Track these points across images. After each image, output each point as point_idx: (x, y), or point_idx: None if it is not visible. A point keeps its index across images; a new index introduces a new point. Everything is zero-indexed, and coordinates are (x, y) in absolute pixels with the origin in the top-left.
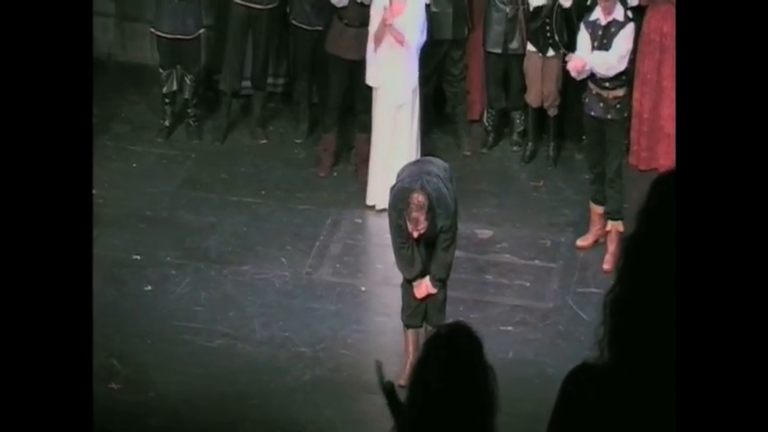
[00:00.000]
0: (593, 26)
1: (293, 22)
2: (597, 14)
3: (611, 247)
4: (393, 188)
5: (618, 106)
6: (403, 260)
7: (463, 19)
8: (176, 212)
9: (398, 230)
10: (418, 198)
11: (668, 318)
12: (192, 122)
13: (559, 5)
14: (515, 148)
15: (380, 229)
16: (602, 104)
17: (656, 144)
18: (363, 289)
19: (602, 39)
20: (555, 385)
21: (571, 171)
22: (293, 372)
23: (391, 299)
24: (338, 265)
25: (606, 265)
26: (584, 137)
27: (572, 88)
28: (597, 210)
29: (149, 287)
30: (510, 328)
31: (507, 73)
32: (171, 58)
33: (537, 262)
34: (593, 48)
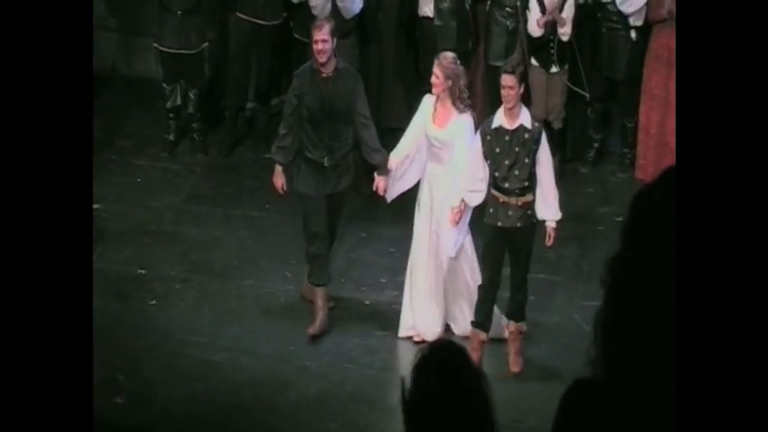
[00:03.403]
0: (495, 133)
1: (296, 36)
2: (499, 121)
3: (515, 347)
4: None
5: (528, 212)
6: (280, 138)
7: (467, 33)
8: (181, 226)
9: (289, 103)
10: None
11: (659, 333)
12: (196, 137)
13: (559, 38)
14: None
15: (385, 243)
16: (510, 213)
17: (662, 159)
18: (367, 303)
19: (512, 146)
20: (560, 398)
21: (575, 184)
22: (298, 386)
23: (396, 313)
24: (342, 279)
25: (515, 368)
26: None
27: (577, 102)
28: (481, 336)
29: (154, 301)
30: None
31: None
32: (174, 73)
33: (541, 275)
34: (498, 155)
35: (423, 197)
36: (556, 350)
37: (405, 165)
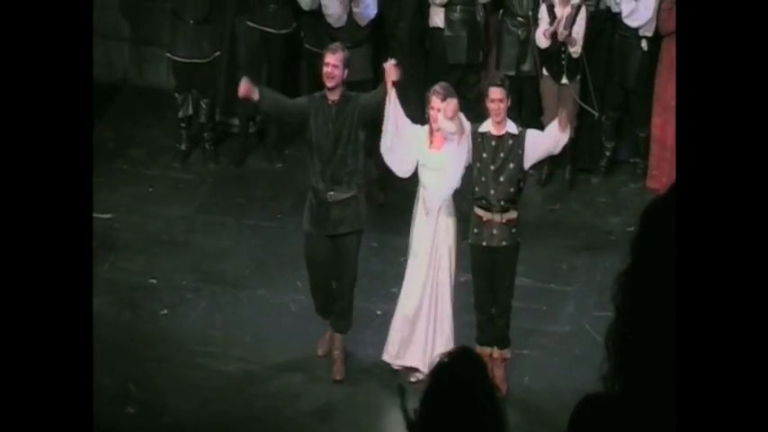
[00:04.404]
0: (482, 137)
1: (306, 46)
2: (487, 127)
3: (499, 372)
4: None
5: (513, 230)
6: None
7: (478, 43)
8: (192, 236)
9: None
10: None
11: (672, 347)
12: (208, 147)
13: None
14: (531, 171)
15: (396, 252)
16: (494, 231)
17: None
18: (379, 313)
19: (498, 152)
20: (571, 410)
21: (587, 194)
22: (309, 396)
23: None
24: (354, 289)
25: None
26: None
27: (589, 113)
28: (486, 351)
29: (165, 311)
30: (526, 351)
31: (521, 95)
32: (186, 82)
33: (553, 285)
34: (485, 159)
35: (419, 237)
36: (567, 360)
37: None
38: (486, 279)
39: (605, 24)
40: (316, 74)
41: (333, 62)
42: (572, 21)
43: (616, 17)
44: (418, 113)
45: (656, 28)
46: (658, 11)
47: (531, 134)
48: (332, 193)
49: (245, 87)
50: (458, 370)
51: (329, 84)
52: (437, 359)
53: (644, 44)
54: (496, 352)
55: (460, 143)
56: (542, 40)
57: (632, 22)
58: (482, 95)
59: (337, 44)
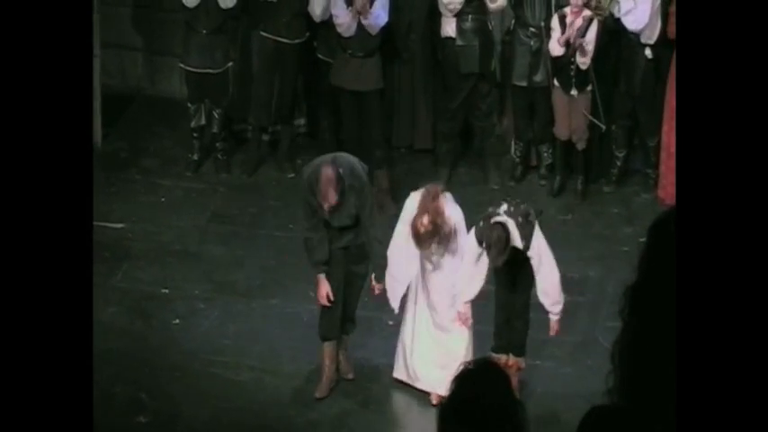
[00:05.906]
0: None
1: (319, 56)
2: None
3: (513, 381)
4: (307, 168)
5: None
6: (308, 243)
7: (490, 52)
8: (205, 246)
9: (308, 210)
10: (327, 172)
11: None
12: (220, 156)
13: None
14: (543, 181)
15: None
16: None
17: None
18: (391, 323)
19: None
20: None
21: (599, 205)
22: (321, 405)
23: None
24: (366, 299)
25: None
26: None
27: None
28: (502, 359)
29: (177, 321)
30: (539, 362)
31: (533, 105)
32: (199, 93)
33: (565, 296)
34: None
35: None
36: (580, 371)
37: (401, 263)
38: (505, 287)
39: (612, 33)
40: (328, 84)
41: (332, 196)
42: (583, 32)
43: (621, 25)
44: (428, 128)
45: (665, 33)
46: (666, 15)
47: (547, 260)
48: (336, 243)
49: (324, 291)
50: (481, 379)
51: (328, 209)
52: (461, 367)
53: (648, 52)
54: (511, 359)
55: (455, 253)
56: (556, 48)
57: (630, 23)
58: (495, 105)
59: (331, 175)
